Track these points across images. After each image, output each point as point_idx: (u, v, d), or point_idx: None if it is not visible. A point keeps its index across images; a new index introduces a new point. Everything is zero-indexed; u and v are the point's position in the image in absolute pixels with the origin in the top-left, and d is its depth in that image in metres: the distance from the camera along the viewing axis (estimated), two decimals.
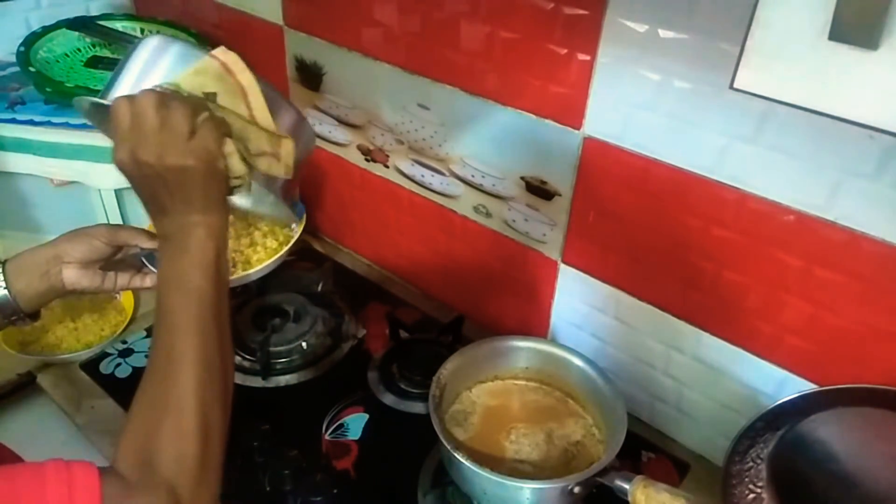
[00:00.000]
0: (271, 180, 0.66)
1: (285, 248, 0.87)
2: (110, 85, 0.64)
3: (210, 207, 0.60)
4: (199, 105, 0.60)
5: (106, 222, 0.80)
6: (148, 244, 0.78)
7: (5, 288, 0.69)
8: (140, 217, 1.03)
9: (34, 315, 0.73)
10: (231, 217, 0.83)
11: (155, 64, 0.62)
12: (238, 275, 0.83)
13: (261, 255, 0.86)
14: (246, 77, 0.64)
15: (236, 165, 0.61)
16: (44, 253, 0.72)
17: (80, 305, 1.04)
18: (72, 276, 0.72)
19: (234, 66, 0.64)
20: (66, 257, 0.72)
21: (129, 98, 0.58)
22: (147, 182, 0.59)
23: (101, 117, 0.66)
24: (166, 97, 0.58)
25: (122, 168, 0.59)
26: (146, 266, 0.79)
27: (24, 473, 0.49)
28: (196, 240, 0.59)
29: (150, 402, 0.56)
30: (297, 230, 0.90)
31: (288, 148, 0.65)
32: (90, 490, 0.49)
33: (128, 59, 0.64)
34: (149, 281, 0.79)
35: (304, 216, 0.91)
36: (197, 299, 0.58)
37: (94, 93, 1.02)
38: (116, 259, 0.76)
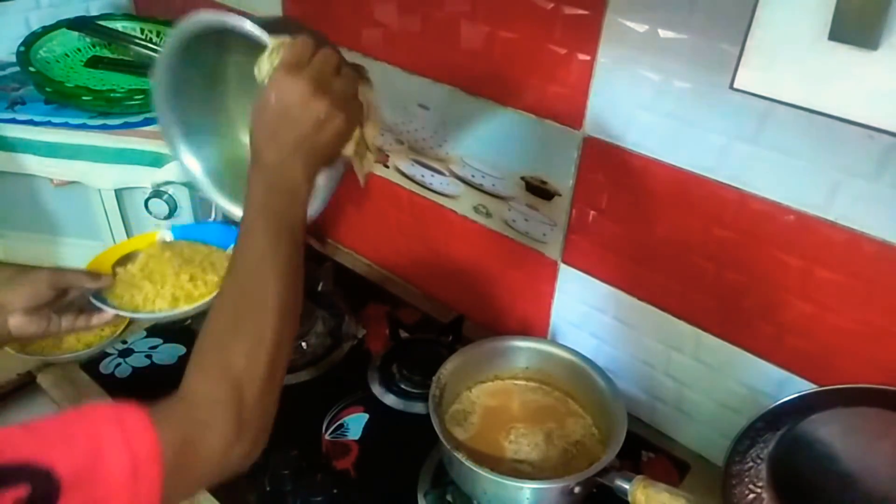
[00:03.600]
0: (339, 179, 0.66)
1: None
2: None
3: (318, 159, 0.60)
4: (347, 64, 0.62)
5: (52, 268, 0.79)
6: (92, 284, 0.80)
7: None
8: (141, 217, 1.03)
9: None
10: (168, 254, 0.88)
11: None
12: (182, 309, 0.83)
13: (202, 289, 0.85)
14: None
15: (350, 145, 0.62)
16: None
17: None
18: (17, 324, 0.72)
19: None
20: (8, 306, 0.71)
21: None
22: (290, 114, 0.57)
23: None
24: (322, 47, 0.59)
25: (281, 94, 0.56)
26: (94, 305, 0.80)
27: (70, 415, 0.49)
28: (297, 181, 0.59)
29: (231, 307, 0.57)
30: None
31: (370, 161, 0.67)
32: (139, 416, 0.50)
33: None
34: (94, 320, 0.80)
35: None
36: (288, 227, 0.58)
37: (94, 92, 1.03)
38: (64, 302, 0.77)
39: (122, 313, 0.81)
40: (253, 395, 0.53)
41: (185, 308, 0.83)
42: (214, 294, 0.80)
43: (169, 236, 0.94)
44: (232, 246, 0.86)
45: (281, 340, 0.56)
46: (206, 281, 0.86)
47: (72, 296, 0.78)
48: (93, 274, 0.82)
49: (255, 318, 0.56)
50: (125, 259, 0.88)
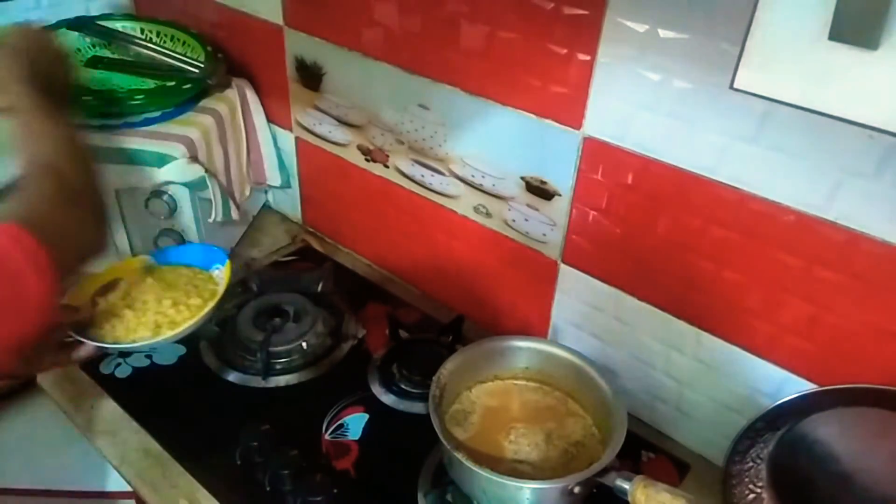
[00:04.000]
0: None
1: (211, 304, 0.85)
2: None
3: None
4: None
5: None
6: (70, 319, 0.78)
7: None
8: (141, 217, 1.03)
9: None
10: (150, 280, 0.87)
11: None
12: (164, 336, 0.81)
13: (185, 314, 0.84)
14: None
15: None
16: None
17: None
18: None
19: None
20: None
21: None
22: None
23: None
24: None
25: None
26: (74, 338, 0.78)
27: None
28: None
29: None
30: (221, 285, 0.88)
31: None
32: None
33: None
34: (74, 355, 0.79)
35: (228, 269, 0.89)
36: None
37: (94, 92, 1.03)
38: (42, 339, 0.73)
39: (102, 346, 0.80)
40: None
41: (167, 335, 0.81)
42: (197, 318, 0.83)
43: (150, 262, 0.92)
44: (216, 266, 0.91)
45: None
46: (188, 305, 0.85)
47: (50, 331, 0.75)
48: (70, 308, 0.81)
49: None
50: (106, 288, 0.86)
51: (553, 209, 0.88)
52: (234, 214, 1.12)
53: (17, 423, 0.99)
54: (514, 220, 0.94)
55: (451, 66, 0.89)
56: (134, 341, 0.81)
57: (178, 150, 0.98)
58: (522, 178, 0.89)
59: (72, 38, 1.16)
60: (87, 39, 1.17)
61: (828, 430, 0.72)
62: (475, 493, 0.74)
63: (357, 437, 0.88)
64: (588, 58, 0.75)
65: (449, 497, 0.80)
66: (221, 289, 0.87)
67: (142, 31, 1.20)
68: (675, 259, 0.79)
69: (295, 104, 1.15)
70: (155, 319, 0.83)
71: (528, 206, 0.91)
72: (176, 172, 0.98)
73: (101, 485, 1.04)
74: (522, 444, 0.78)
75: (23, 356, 0.70)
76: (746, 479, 0.76)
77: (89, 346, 0.79)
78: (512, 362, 0.85)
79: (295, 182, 1.26)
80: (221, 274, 0.90)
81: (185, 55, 1.13)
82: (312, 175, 1.22)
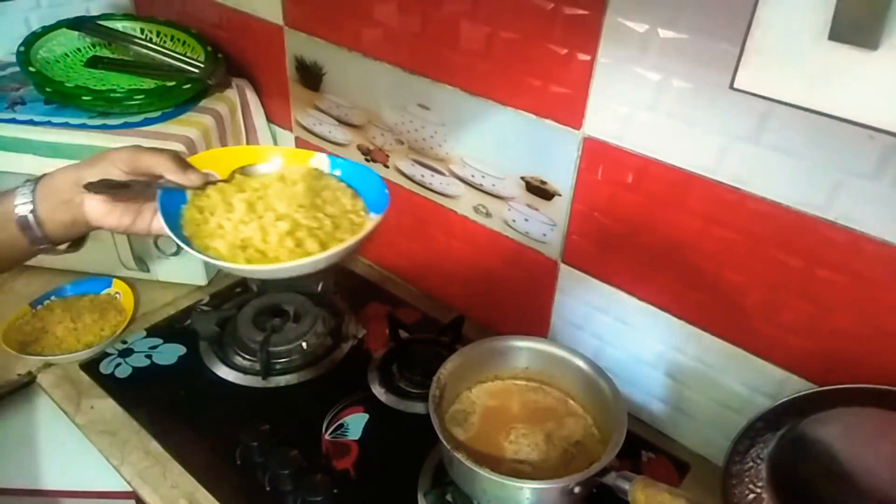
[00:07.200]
0: None
1: (339, 246, 0.64)
2: None
3: None
4: None
5: (134, 144, 0.65)
6: (175, 176, 0.63)
7: (32, 211, 0.62)
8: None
9: (77, 242, 0.65)
10: (302, 186, 0.68)
11: None
12: (236, 265, 0.61)
13: (292, 248, 0.63)
14: None
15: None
16: (68, 176, 0.64)
17: (80, 305, 1.04)
18: (94, 210, 0.64)
19: None
20: (84, 184, 0.63)
21: None
22: None
23: None
24: None
25: None
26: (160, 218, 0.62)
27: None
28: None
29: None
30: (362, 232, 0.68)
31: None
32: None
33: None
34: (158, 224, 0.64)
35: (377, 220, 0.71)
36: None
37: (94, 92, 1.03)
38: (133, 182, 0.64)
39: (179, 241, 0.61)
40: None
41: (240, 265, 0.61)
42: (302, 259, 0.61)
43: (325, 164, 0.72)
44: (378, 212, 0.70)
45: None
46: (301, 243, 0.63)
47: (152, 184, 0.64)
48: (179, 159, 0.64)
49: None
50: (253, 169, 0.68)
51: (553, 209, 0.88)
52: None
53: (17, 423, 0.99)
54: (514, 220, 0.94)
55: (452, 66, 0.89)
56: (204, 252, 0.61)
57: (178, 150, 0.98)
58: (522, 178, 0.89)
59: (72, 38, 1.16)
60: (87, 39, 1.17)
61: (828, 430, 0.72)
62: (475, 493, 0.74)
63: (357, 437, 0.88)
64: (588, 58, 0.75)
65: (449, 497, 0.80)
66: (357, 236, 0.66)
67: (142, 31, 1.20)
68: (675, 259, 0.79)
69: (295, 104, 1.15)
70: (249, 236, 0.63)
71: (528, 206, 0.91)
72: None
73: (101, 485, 1.04)
74: (522, 444, 0.78)
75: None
76: (746, 479, 0.76)
77: (160, 220, 0.63)
78: (512, 362, 0.85)
79: None
80: (371, 221, 0.69)
81: (185, 55, 1.13)
82: None
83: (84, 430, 0.89)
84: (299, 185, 0.69)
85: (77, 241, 0.67)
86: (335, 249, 0.63)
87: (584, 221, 0.86)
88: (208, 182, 0.67)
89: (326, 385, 0.96)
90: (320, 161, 0.73)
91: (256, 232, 0.63)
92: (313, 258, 0.61)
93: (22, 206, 0.64)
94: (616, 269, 0.86)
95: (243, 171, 0.71)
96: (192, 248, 0.61)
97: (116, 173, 0.64)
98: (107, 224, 0.65)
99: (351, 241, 0.65)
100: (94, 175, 0.63)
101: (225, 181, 0.69)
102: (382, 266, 1.20)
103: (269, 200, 0.66)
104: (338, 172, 0.73)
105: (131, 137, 0.99)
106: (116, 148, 0.66)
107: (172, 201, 0.65)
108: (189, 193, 0.66)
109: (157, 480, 0.82)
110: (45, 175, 0.65)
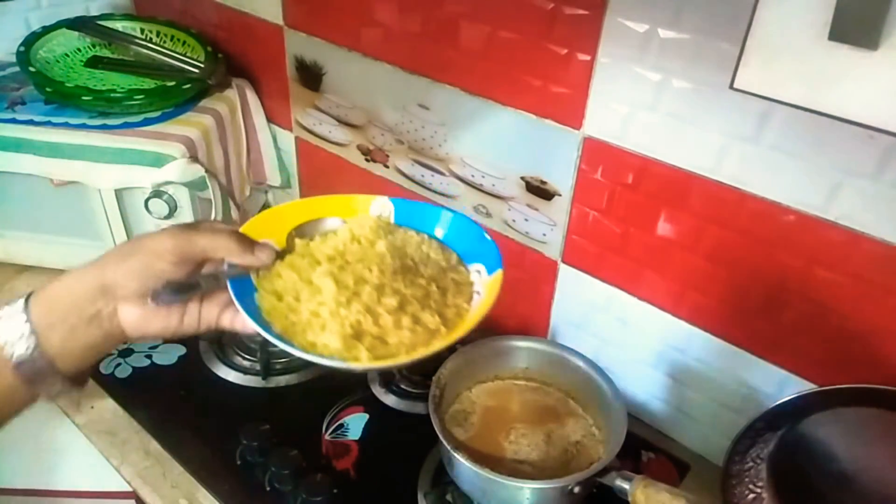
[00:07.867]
0: None
1: (454, 334, 0.53)
2: None
3: None
4: None
5: (173, 226, 0.52)
6: (242, 259, 0.52)
7: (36, 346, 0.45)
8: (142, 217, 1.03)
9: (80, 380, 0.50)
10: (382, 246, 0.57)
11: None
12: (363, 363, 0.50)
13: (402, 335, 0.53)
14: None
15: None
16: (85, 284, 0.48)
17: None
18: (132, 317, 0.49)
19: None
20: (119, 290, 0.48)
21: None
22: None
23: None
24: None
25: None
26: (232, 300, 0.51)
27: None
28: None
29: None
30: (480, 301, 0.56)
31: None
32: None
33: None
34: (238, 324, 0.53)
35: (497, 282, 0.59)
36: None
37: (94, 92, 1.03)
38: (200, 277, 0.52)
39: (279, 343, 0.50)
40: None
41: (370, 361, 0.50)
42: (425, 350, 0.51)
43: (388, 208, 0.60)
44: (478, 266, 0.60)
45: None
46: (418, 320, 0.53)
47: (208, 271, 0.53)
48: (243, 239, 0.52)
49: None
50: (309, 228, 0.57)
51: (553, 209, 0.88)
52: (234, 214, 1.12)
53: (17, 423, 0.99)
54: (514, 221, 0.94)
55: (451, 66, 0.89)
56: (322, 354, 0.50)
57: (177, 150, 0.98)
58: (522, 178, 0.89)
59: (72, 38, 1.16)
60: (87, 39, 1.17)
61: (828, 430, 0.71)
62: (475, 493, 0.74)
63: (357, 437, 0.88)
64: (588, 58, 0.75)
65: (449, 497, 0.80)
66: (478, 310, 0.54)
67: (142, 31, 1.20)
68: (675, 259, 0.79)
69: (295, 104, 1.15)
70: (357, 320, 0.52)
71: (528, 206, 0.91)
72: (176, 172, 0.98)
73: (101, 485, 1.04)
74: (522, 444, 0.78)
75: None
76: (746, 479, 0.76)
77: (245, 321, 0.51)
78: (512, 362, 0.85)
79: (295, 182, 1.26)
80: (483, 284, 0.57)
81: (185, 55, 1.13)
82: (312, 175, 1.22)
83: (84, 430, 0.89)
84: (379, 243, 0.57)
85: (82, 379, 0.51)
86: (472, 323, 0.52)
87: (584, 221, 0.86)
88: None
89: (326, 385, 0.96)
90: (383, 206, 0.61)
91: (364, 316, 0.52)
92: (454, 336, 0.52)
93: (17, 343, 0.46)
94: (616, 269, 0.86)
95: (299, 231, 0.59)
96: (296, 349, 0.50)
97: (166, 268, 0.49)
98: (150, 332, 0.51)
99: (483, 308, 0.55)
100: (130, 275, 0.49)
101: (286, 251, 0.57)
102: None
103: (355, 269, 0.55)
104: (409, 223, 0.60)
105: (131, 137, 0.99)
106: (152, 234, 0.51)
107: (240, 289, 0.52)
108: (254, 276, 0.54)
109: (157, 480, 0.82)
110: (35, 294, 0.48)
